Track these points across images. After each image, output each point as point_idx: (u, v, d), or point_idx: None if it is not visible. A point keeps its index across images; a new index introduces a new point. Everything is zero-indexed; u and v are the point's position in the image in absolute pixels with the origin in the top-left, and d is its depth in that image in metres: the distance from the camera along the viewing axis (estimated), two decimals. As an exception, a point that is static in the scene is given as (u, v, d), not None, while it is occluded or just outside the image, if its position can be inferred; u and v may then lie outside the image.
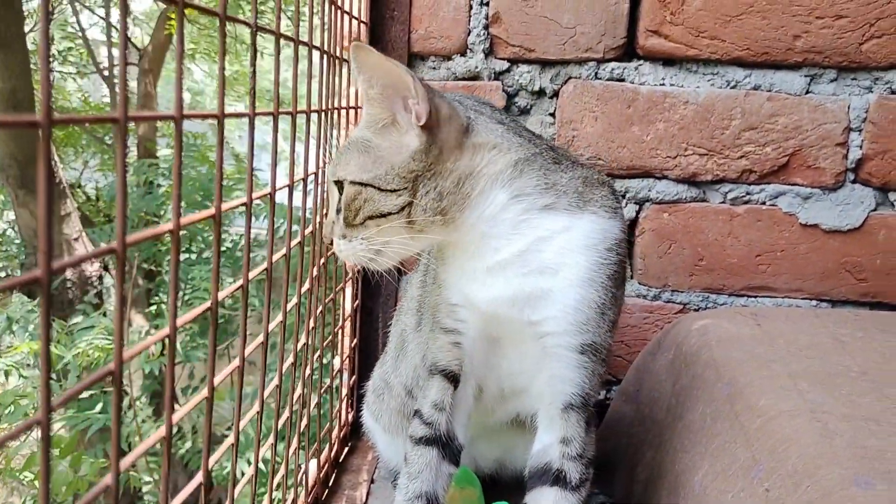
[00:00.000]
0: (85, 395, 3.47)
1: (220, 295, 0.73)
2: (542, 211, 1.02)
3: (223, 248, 5.29)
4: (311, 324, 1.21)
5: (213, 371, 0.77)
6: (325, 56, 1.21)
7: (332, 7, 1.26)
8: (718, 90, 1.55)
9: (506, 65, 1.59)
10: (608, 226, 1.03)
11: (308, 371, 1.25)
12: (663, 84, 1.57)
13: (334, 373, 1.49)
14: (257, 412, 0.97)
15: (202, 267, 4.79)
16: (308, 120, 1.13)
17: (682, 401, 1.32)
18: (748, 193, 1.58)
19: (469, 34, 1.58)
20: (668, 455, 1.29)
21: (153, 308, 5.82)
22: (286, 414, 1.15)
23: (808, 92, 1.54)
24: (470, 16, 1.58)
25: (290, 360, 1.13)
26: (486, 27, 1.58)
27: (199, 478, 0.78)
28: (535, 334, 1.03)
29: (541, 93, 1.60)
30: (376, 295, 1.64)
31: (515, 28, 1.57)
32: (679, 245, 1.61)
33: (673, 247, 1.61)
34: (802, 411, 1.02)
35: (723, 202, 1.59)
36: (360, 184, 1.00)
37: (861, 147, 1.54)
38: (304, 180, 1.12)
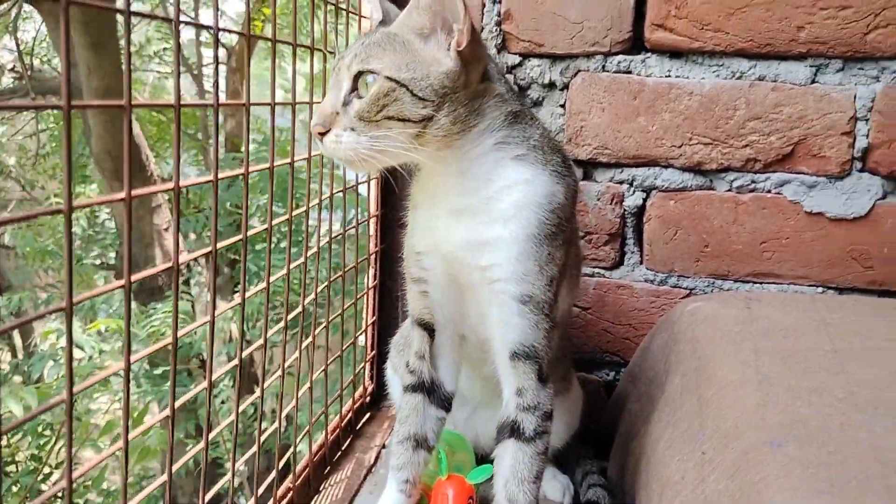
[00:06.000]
0: (159, 371, 3.74)
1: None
2: (515, 160, 1.13)
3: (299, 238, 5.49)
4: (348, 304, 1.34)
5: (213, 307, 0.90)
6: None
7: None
8: (723, 81, 1.60)
9: (518, 59, 1.68)
10: (556, 189, 1.13)
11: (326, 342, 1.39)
12: (669, 76, 1.62)
13: (352, 344, 1.62)
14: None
15: (276, 255, 5.06)
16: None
17: (668, 376, 1.38)
18: (753, 182, 1.62)
19: (482, 30, 1.68)
20: (650, 427, 1.36)
21: (237, 295, 6.12)
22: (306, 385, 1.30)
23: (813, 82, 1.57)
24: (483, 13, 1.68)
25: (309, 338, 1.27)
26: (498, 24, 1.67)
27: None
28: (485, 279, 1.13)
29: (552, 85, 1.68)
30: (395, 274, 1.76)
31: (526, 24, 1.65)
32: (685, 231, 1.66)
33: (679, 233, 1.67)
34: (750, 382, 1.07)
35: (728, 190, 1.64)
36: (397, 82, 1.03)
37: (867, 136, 1.56)
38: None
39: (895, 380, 1.09)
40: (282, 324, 1.28)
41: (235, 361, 1.13)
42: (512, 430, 1.16)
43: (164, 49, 8.16)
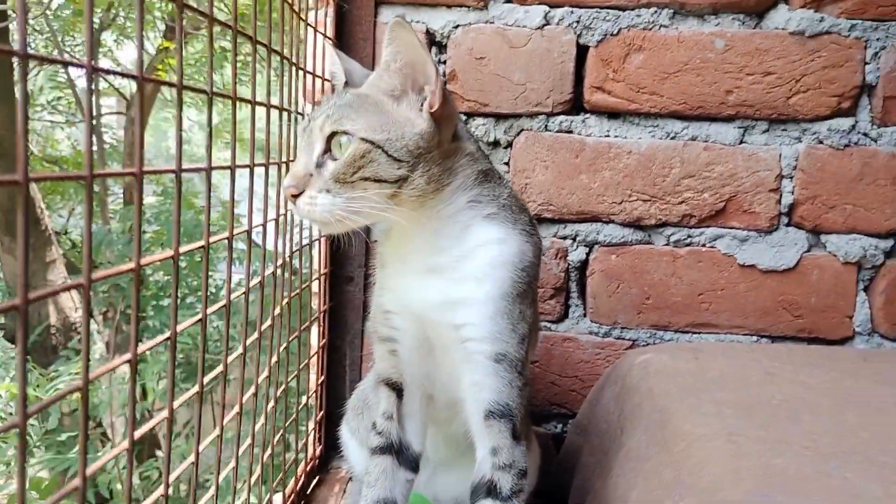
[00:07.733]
0: (63, 437, 3.52)
1: (179, 327, 0.83)
2: (486, 219, 1.14)
3: (210, 291, 5.34)
4: (275, 358, 1.30)
5: (171, 399, 0.86)
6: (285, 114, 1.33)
7: (294, 69, 1.38)
8: (659, 141, 1.67)
9: (462, 118, 1.71)
10: (526, 248, 1.15)
11: (272, 405, 1.34)
12: (608, 135, 1.69)
13: (299, 407, 1.57)
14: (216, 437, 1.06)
15: (184, 311, 4.87)
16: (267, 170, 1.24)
17: (625, 429, 1.41)
18: (689, 236, 1.69)
19: (428, 90, 1.70)
20: (611, 481, 1.38)
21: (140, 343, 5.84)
22: (251, 448, 1.24)
23: (741, 142, 1.67)
24: (428, 73, 1.70)
25: (251, 391, 1.22)
26: (443, 84, 1.70)
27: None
28: (458, 338, 1.13)
29: (496, 143, 1.72)
30: (343, 333, 1.73)
31: (470, 84, 1.69)
32: (627, 285, 1.72)
33: (621, 286, 1.72)
34: (720, 434, 1.11)
35: (666, 244, 1.71)
36: (372, 143, 1.04)
37: (793, 193, 1.66)
38: (276, 221, 1.23)
39: (846, 429, 1.15)
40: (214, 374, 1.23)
41: (195, 391, 1.07)
42: (488, 490, 1.15)
43: (58, 99, 7.88)
